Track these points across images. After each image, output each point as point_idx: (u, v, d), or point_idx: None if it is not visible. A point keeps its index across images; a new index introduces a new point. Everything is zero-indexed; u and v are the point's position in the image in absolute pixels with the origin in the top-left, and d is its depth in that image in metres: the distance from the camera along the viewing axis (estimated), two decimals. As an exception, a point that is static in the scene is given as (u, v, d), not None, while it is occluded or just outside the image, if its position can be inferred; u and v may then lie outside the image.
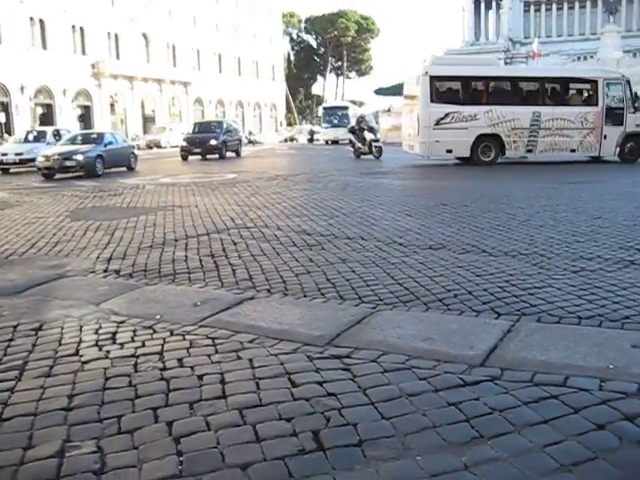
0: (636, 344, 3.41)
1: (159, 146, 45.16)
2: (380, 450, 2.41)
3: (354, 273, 5.28)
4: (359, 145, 24.06)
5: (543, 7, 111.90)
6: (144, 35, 58.01)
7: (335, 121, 48.98)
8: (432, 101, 18.03)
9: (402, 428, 2.57)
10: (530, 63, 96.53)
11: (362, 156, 23.74)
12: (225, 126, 29.87)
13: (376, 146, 23.11)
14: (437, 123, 18.00)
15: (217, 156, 27.66)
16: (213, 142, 27.53)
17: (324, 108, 52.23)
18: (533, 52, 75.50)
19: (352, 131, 24.96)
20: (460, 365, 3.20)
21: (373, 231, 7.37)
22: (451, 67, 19.39)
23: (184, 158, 27.50)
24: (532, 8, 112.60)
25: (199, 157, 27.82)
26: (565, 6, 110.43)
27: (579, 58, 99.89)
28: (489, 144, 18.27)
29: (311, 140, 54.37)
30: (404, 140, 20.76)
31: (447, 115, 18.00)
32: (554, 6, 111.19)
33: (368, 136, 23.40)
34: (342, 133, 46.12)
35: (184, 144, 28.22)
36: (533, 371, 3.10)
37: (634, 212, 8.42)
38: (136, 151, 23.45)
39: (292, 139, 65.50)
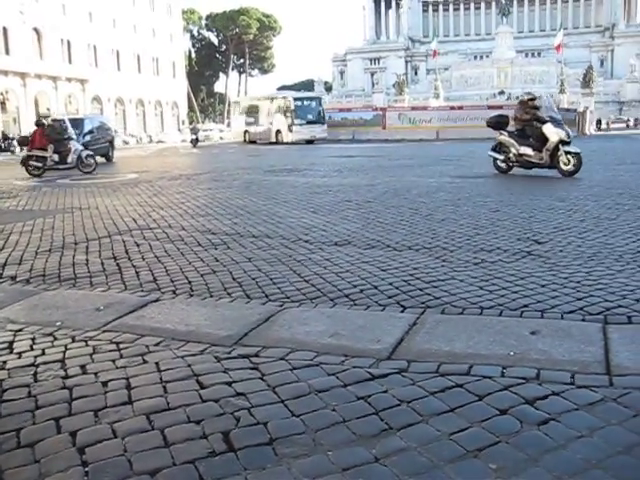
0: (534, 331, 3.55)
1: None
2: (291, 447, 2.41)
3: (260, 271, 5.25)
4: (527, 151, 13.28)
5: (441, 7, 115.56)
6: (36, 30, 55.83)
7: (310, 116, 40.25)
8: None
9: (312, 424, 2.57)
10: (429, 61, 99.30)
11: (518, 169, 13.84)
12: (87, 125, 23.81)
13: (571, 152, 12.89)
14: None
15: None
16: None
17: (295, 99, 41.19)
18: (433, 51, 77.76)
19: (497, 124, 14.08)
20: (368, 359, 3.24)
21: (278, 229, 7.36)
22: None
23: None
24: (430, 8, 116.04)
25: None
26: (461, 7, 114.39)
27: (475, 57, 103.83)
28: None
29: (196, 142, 42.18)
30: None
31: None
32: (451, 7, 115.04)
33: (553, 134, 12.88)
34: (319, 131, 39.94)
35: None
36: (439, 362, 3.17)
37: (530, 205, 8.79)
38: None
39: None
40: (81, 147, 19.44)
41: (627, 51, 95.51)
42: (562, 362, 3.11)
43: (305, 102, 40.99)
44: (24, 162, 18.71)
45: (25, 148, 19.11)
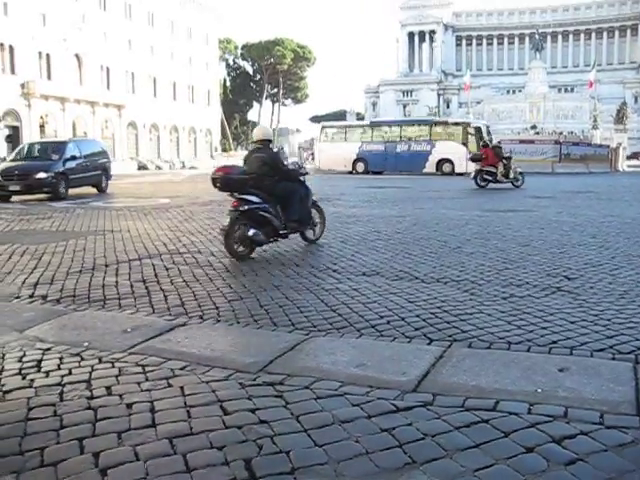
0: (563, 368, 3.50)
1: None
2: (313, 478, 2.39)
3: (287, 299, 5.25)
4: None
5: (474, 42, 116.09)
6: (77, 56, 57.18)
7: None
8: None
9: (335, 455, 2.55)
10: (462, 95, 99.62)
11: None
12: (70, 150, 19.93)
13: None
14: None
15: (50, 194, 18.32)
16: (41, 175, 17.98)
17: (486, 126, 37.29)
18: (465, 84, 78.04)
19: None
20: (393, 391, 3.21)
21: (307, 257, 7.37)
22: None
23: (3, 199, 17.72)
24: (464, 42, 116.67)
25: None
26: (495, 41, 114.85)
27: (508, 91, 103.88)
28: None
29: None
30: None
31: None
32: (484, 41, 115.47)
33: None
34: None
35: None
36: (464, 396, 3.13)
37: (560, 240, 8.70)
38: None
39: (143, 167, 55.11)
40: (514, 164, 22.27)
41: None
42: (591, 401, 3.06)
43: (481, 131, 35.58)
44: (476, 175, 22.00)
45: (478, 164, 22.30)
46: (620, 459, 2.49)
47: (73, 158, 19.65)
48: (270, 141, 8.56)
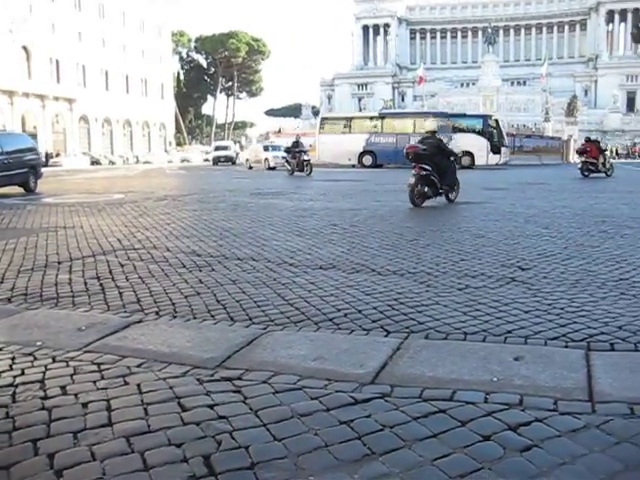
0: (518, 357, 3.55)
1: None
2: (273, 472, 2.38)
3: (244, 294, 5.23)
4: None
5: (428, 35, 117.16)
6: (25, 48, 55.95)
7: (504, 137, 37.58)
8: None
9: (294, 449, 2.55)
10: (416, 88, 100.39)
11: None
12: None
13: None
14: None
15: None
16: None
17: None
18: (419, 77, 78.72)
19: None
20: (351, 383, 3.22)
21: (263, 251, 7.35)
22: None
23: None
24: (418, 36, 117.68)
25: None
26: (448, 35, 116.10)
27: (462, 85, 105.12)
28: None
29: (309, 168, 28.93)
30: None
31: None
32: (438, 35, 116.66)
33: None
34: (508, 153, 37.44)
35: None
36: (422, 387, 3.16)
37: (514, 231, 8.84)
38: None
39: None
40: (608, 157, 26.45)
41: (610, 82, 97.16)
42: (545, 388, 3.11)
43: (499, 124, 37.04)
44: (582, 167, 24.91)
45: (583, 156, 24.98)
46: (573, 444, 2.54)
47: None
48: (436, 131, 13.64)
